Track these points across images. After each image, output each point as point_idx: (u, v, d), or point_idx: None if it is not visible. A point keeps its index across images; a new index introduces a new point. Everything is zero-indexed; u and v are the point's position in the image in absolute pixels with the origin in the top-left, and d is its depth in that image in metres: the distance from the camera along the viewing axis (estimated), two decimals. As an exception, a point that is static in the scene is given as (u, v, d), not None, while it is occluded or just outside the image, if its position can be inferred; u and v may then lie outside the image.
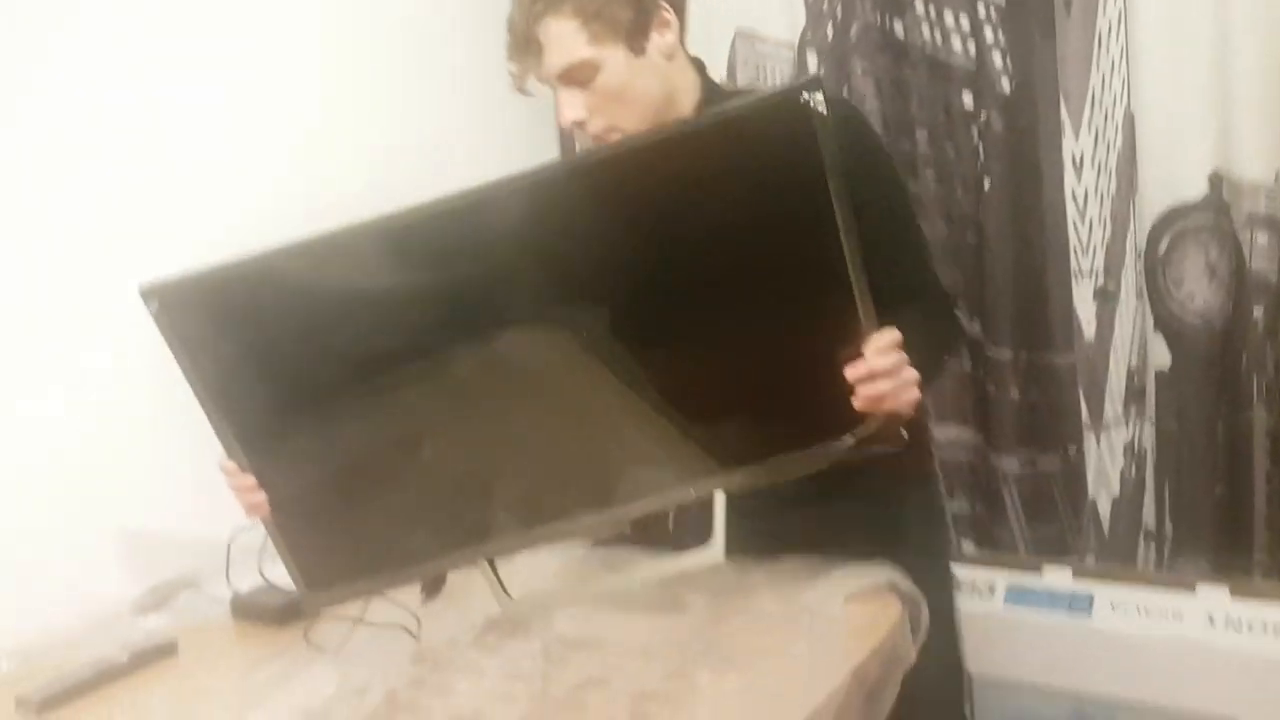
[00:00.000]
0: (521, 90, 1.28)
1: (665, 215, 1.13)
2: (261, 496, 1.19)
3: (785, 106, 1.08)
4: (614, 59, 1.24)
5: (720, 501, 1.18)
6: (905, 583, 1.26)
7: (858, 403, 1.12)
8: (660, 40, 1.27)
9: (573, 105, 1.26)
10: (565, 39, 1.22)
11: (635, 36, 1.24)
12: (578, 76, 1.24)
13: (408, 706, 1.13)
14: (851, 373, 1.11)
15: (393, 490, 1.22)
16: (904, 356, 1.12)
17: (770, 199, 1.11)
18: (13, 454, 1.37)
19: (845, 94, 1.99)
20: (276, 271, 1.16)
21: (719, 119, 1.13)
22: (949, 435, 2.03)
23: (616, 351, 1.16)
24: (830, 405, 1.13)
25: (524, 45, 1.24)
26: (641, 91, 1.26)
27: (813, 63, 2.04)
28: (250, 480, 1.19)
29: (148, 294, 1.13)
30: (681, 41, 1.32)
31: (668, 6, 1.27)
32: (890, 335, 1.11)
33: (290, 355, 1.18)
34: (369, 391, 1.18)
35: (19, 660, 1.28)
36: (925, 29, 1.96)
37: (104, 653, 1.26)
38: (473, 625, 1.27)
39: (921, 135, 1.99)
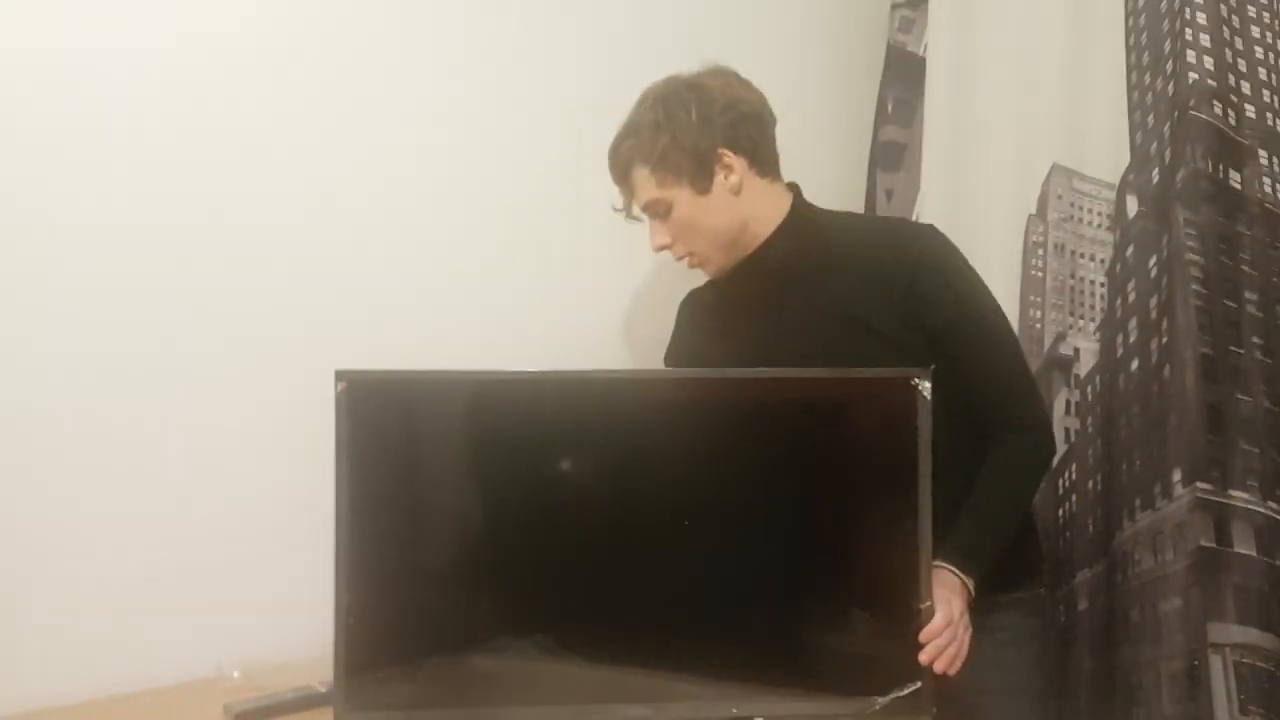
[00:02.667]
0: (629, 215, 1.55)
1: (778, 444, 1.31)
2: None
3: (898, 384, 1.16)
4: (681, 198, 1.49)
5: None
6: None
7: (938, 666, 1.27)
8: (725, 180, 1.49)
9: (658, 233, 1.53)
10: (641, 182, 1.50)
11: (698, 179, 1.48)
12: (657, 210, 1.51)
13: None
14: (926, 656, 1.27)
15: (470, 630, 1.28)
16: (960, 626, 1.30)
17: (867, 457, 1.30)
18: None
19: (1164, 244, 1.82)
20: (455, 395, 1.29)
21: (841, 376, 1.32)
22: (1249, 638, 1.81)
23: (704, 556, 1.29)
24: (873, 663, 1.27)
25: (620, 183, 1.54)
26: (711, 224, 1.50)
27: (1132, 206, 1.88)
28: None
29: (340, 376, 1.24)
30: (759, 169, 1.52)
31: (729, 150, 1.48)
32: (946, 617, 1.28)
33: (436, 479, 1.29)
34: (488, 540, 1.29)
35: (246, 675, 1.51)
36: (1267, 183, 1.73)
37: (309, 682, 1.44)
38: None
39: (1250, 296, 1.77)
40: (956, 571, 1.35)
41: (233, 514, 1.62)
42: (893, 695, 1.23)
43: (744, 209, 1.50)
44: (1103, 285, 1.96)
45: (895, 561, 1.24)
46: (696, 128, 1.46)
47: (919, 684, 1.23)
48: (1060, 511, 2.01)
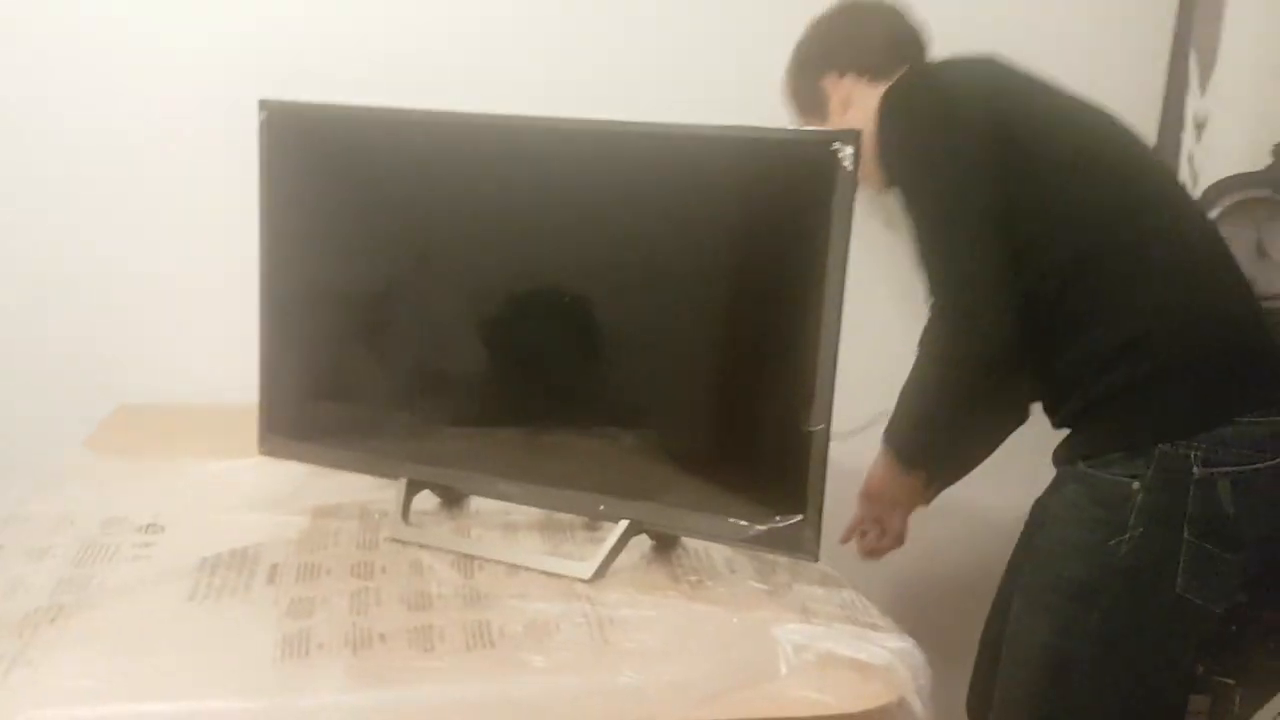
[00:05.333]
0: None
1: (681, 205, 1.11)
2: None
3: (817, 149, 0.98)
4: None
5: (619, 531, 1.11)
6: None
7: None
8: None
9: None
10: None
11: None
12: None
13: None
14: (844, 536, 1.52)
15: (373, 373, 1.26)
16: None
17: (773, 241, 1.08)
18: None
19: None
20: (374, 129, 1.22)
21: (756, 135, 1.08)
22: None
23: (585, 337, 1.16)
24: (754, 485, 1.09)
25: None
26: None
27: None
28: None
29: (263, 104, 1.22)
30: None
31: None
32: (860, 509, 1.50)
33: (351, 210, 1.24)
34: (403, 279, 1.23)
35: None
36: None
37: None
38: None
39: None
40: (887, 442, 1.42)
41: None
42: (770, 525, 1.06)
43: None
44: None
45: (789, 371, 1.03)
46: None
47: (800, 517, 1.05)
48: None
